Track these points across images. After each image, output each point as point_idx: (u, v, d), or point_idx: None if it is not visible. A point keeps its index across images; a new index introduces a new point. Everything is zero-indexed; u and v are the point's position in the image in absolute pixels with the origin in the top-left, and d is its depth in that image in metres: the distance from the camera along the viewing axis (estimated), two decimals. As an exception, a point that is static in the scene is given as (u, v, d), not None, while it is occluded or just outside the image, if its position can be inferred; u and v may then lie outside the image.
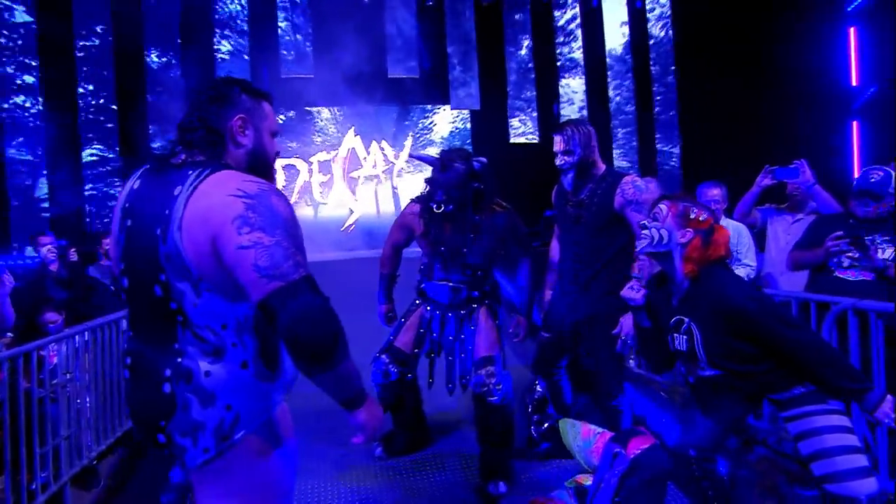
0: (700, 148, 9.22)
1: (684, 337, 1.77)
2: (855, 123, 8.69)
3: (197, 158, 1.26)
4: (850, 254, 2.44)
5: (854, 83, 8.71)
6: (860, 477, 1.54)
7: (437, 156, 2.46)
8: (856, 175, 8.53)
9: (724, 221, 3.48)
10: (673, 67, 9.75)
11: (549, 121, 9.64)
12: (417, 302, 2.69)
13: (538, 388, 2.67)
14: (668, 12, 9.69)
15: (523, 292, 2.64)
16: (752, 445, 1.90)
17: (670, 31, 9.71)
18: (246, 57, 8.54)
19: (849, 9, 8.61)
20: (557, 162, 2.46)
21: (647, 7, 9.78)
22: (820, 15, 8.76)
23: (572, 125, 2.43)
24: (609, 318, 2.35)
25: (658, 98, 9.92)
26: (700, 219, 1.76)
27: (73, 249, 4.45)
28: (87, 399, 2.86)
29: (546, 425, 2.63)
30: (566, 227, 2.53)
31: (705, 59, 8.85)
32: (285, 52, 8.72)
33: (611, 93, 10.04)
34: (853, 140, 8.70)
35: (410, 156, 2.94)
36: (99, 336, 2.95)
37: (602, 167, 2.46)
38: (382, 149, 9.23)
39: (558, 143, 2.43)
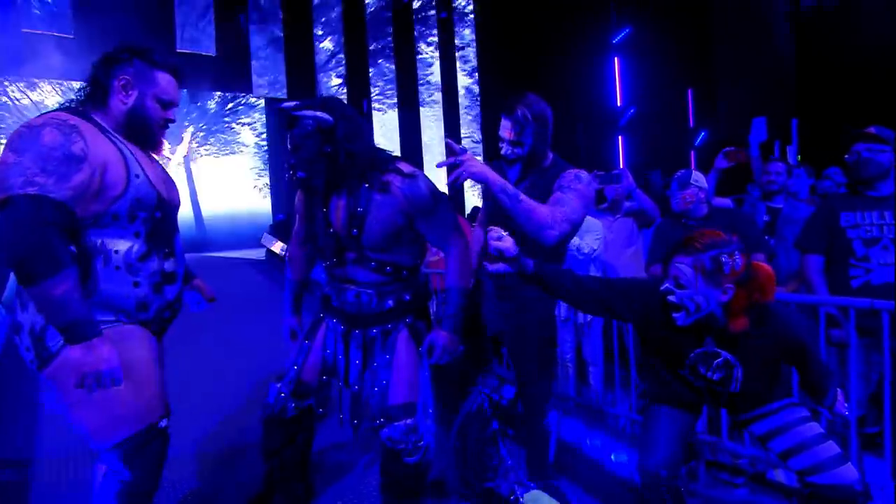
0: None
1: (718, 371, 1.60)
2: (620, 138, 10.28)
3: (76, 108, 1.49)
4: None
5: (618, 104, 10.31)
6: (841, 464, 1.53)
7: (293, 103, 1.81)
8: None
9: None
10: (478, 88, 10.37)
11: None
12: (321, 315, 2.04)
13: (486, 413, 1.99)
14: (473, 38, 10.26)
15: (451, 294, 1.89)
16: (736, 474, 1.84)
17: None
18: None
19: (613, 41, 10.14)
20: (502, 151, 2.00)
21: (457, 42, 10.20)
22: (591, 46, 10.22)
23: (525, 106, 1.94)
24: (543, 325, 2.06)
25: (465, 109, 10.40)
26: (735, 267, 1.48)
27: None
28: None
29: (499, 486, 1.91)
30: (499, 220, 2.04)
31: (504, 78, 9.58)
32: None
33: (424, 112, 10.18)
34: (619, 151, 10.28)
35: (280, 107, 1.83)
36: None
37: (550, 157, 2.06)
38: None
39: (506, 130, 1.97)
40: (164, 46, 7.44)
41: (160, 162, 1.74)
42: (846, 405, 1.74)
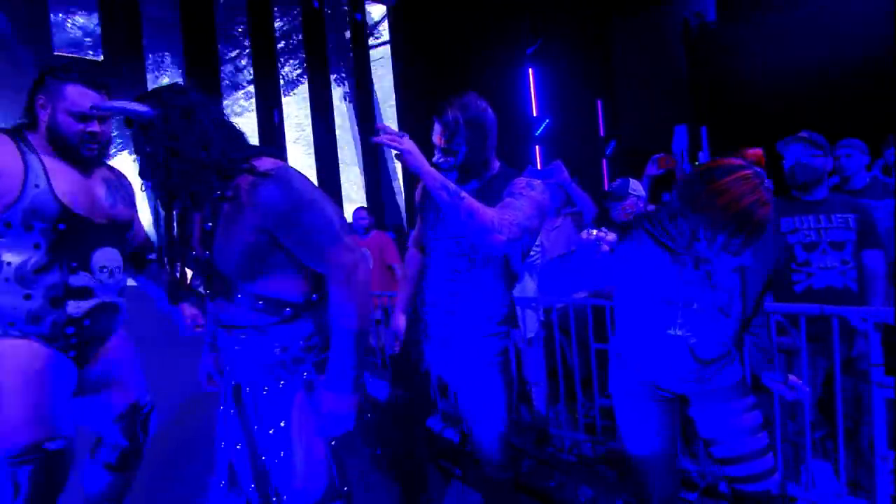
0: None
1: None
2: (537, 148, 10.45)
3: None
4: None
5: (534, 114, 10.49)
6: (772, 474, 1.59)
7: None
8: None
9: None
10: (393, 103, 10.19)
11: (269, 132, 8.75)
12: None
13: None
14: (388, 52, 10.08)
15: (336, 339, 1.37)
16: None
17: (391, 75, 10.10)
18: None
19: (528, 52, 10.33)
20: (434, 159, 1.76)
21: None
22: (506, 57, 10.37)
23: (458, 109, 1.69)
24: (493, 368, 1.77)
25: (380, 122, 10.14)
26: (754, 158, 1.48)
27: None
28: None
29: None
30: (437, 234, 1.82)
31: (422, 94, 9.48)
32: None
33: (338, 119, 9.79)
34: (537, 162, 10.43)
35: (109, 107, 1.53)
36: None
37: (496, 165, 1.82)
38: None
39: (437, 135, 1.73)
40: (38, 48, 6.60)
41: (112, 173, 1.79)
42: (801, 381, 1.66)
